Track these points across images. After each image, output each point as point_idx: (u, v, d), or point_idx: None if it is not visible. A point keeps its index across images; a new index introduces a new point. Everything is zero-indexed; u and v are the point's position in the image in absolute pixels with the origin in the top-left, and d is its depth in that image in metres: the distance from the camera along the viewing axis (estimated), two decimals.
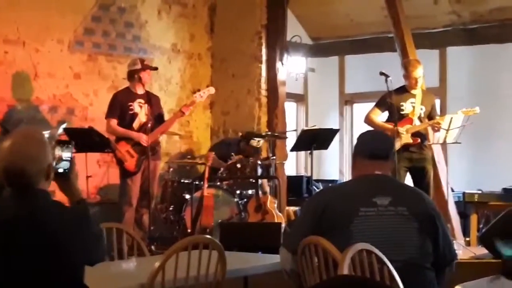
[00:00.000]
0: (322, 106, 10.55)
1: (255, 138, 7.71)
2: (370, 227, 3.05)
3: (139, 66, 6.78)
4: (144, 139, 6.66)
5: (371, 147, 3.28)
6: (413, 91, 6.81)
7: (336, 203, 3.14)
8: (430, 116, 6.87)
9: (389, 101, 6.69)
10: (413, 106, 6.78)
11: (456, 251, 6.37)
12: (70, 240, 2.55)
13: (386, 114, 6.92)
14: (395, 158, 6.01)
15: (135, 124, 6.80)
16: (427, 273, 3.10)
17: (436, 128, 6.76)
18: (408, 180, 6.80)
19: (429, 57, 9.06)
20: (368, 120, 6.89)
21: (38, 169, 2.56)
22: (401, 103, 6.73)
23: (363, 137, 3.44)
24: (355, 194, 3.17)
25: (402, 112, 6.71)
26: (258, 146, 7.70)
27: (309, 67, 10.16)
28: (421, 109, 6.81)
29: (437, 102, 9.22)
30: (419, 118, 6.79)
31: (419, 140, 6.77)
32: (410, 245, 3.07)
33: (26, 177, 2.53)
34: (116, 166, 6.95)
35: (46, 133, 7.33)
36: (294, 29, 9.45)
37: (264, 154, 8.47)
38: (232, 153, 7.74)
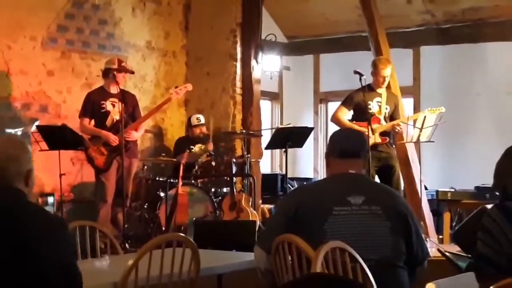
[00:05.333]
0: (297, 105, 10.57)
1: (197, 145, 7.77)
2: (344, 226, 3.05)
3: (115, 66, 6.76)
4: (112, 138, 6.67)
5: (343, 146, 3.28)
6: (378, 90, 6.84)
7: (310, 202, 3.14)
8: (393, 116, 6.91)
9: (357, 99, 6.73)
10: (379, 105, 6.82)
11: (429, 249, 6.42)
12: (47, 240, 2.55)
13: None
14: (369, 156, 6.04)
15: (108, 122, 6.80)
16: (400, 272, 3.12)
17: (397, 130, 6.79)
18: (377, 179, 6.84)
19: (402, 56, 9.13)
20: (335, 119, 6.90)
21: (17, 170, 2.59)
22: (368, 102, 6.74)
23: (335, 136, 3.45)
24: (329, 193, 3.16)
25: (369, 111, 6.73)
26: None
27: (284, 65, 10.17)
28: (386, 108, 6.85)
29: (411, 101, 9.33)
30: (384, 117, 6.84)
31: (387, 140, 6.82)
32: (383, 244, 3.08)
33: (5, 176, 2.56)
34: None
35: (19, 131, 7.29)
36: (269, 28, 9.45)
37: (239, 152, 8.48)
38: None
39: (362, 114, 6.68)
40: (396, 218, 3.12)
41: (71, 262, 2.65)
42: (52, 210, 7.03)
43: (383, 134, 6.79)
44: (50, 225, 2.59)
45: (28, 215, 2.55)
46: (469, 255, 3.97)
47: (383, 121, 6.82)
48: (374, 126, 6.68)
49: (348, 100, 6.90)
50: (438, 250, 5.28)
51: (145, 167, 7.93)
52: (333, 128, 7.89)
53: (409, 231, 3.14)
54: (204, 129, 8.05)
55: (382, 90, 6.86)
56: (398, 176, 6.87)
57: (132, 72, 7.21)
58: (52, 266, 2.56)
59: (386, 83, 6.86)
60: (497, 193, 2.86)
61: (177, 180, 7.03)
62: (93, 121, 6.89)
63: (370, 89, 6.79)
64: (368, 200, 3.12)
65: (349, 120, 6.90)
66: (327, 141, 10.44)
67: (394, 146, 7.02)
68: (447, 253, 4.57)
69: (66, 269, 2.60)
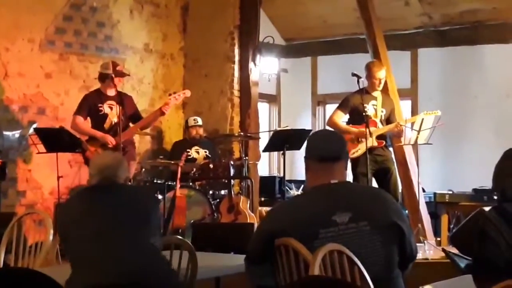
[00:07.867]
0: (295, 107, 10.58)
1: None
2: None
3: (110, 71, 6.72)
4: (109, 139, 6.64)
5: (321, 148, 3.10)
6: (374, 93, 6.85)
7: (293, 229, 2.94)
8: (389, 120, 6.91)
9: (353, 102, 6.74)
10: (375, 109, 6.83)
11: (427, 252, 6.38)
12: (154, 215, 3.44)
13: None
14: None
15: (106, 125, 6.77)
16: (396, 282, 3.03)
17: (399, 129, 6.80)
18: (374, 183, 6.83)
19: (400, 59, 9.14)
20: (331, 123, 6.90)
21: (122, 175, 3.48)
22: (364, 105, 6.74)
23: (312, 138, 3.28)
24: (313, 214, 2.97)
25: (364, 114, 6.72)
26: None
27: (281, 67, 10.17)
28: (382, 111, 6.85)
29: (409, 103, 9.34)
30: (380, 120, 6.84)
31: (384, 143, 6.83)
32: (376, 262, 2.94)
33: (117, 176, 3.42)
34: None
35: (16, 133, 7.27)
36: (267, 30, 9.46)
37: (237, 155, 8.48)
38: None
39: (358, 117, 6.69)
40: (386, 228, 2.98)
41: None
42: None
43: (379, 137, 6.80)
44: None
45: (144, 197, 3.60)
46: (468, 257, 3.96)
47: (379, 124, 6.83)
48: (371, 129, 6.67)
49: (344, 103, 6.91)
50: (443, 249, 5.28)
51: (143, 169, 7.92)
52: (330, 130, 7.89)
53: (402, 238, 3.02)
54: (201, 130, 8.06)
55: (377, 94, 6.88)
56: (395, 179, 6.87)
57: (128, 75, 7.18)
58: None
59: (381, 86, 6.88)
60: (495, 197, 2.85)
61: (175, 183, 7.03)
62: (89, 122, 6.85)
63: (365, 92, 6.79)
64: (355, 215, 2.95)
65: (345, 123, 6.91)
66: None
67: (391, 148, 7.02)
68: (451, 253, 4.56)
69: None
